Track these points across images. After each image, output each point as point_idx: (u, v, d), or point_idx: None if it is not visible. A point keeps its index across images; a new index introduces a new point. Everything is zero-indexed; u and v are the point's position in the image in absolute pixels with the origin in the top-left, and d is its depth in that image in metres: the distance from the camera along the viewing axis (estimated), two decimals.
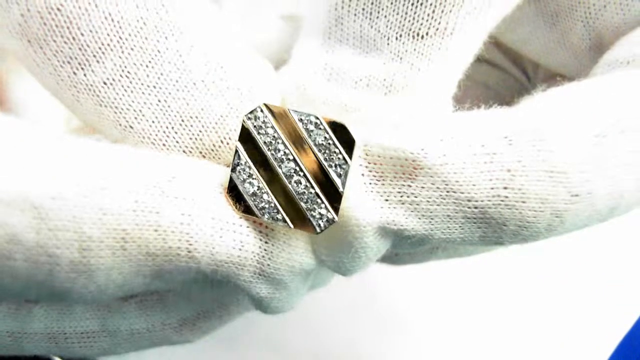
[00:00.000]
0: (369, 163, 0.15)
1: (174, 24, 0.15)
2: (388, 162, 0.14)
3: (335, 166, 0.14)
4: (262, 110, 0.15)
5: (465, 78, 0.17)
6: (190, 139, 0.15)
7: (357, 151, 0.14)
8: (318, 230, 0.15)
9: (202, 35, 0.15)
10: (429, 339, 0.32)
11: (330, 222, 0.14)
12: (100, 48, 0.14)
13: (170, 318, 0.17)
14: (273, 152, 0.15)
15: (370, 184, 0.15)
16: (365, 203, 0.15)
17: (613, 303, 0.33)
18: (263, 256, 0.14)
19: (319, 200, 0.15)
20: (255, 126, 0.15)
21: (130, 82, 0.14)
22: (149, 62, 0.14)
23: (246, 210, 0.14)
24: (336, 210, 0.14)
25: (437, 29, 0.15)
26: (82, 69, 0.14)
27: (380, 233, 0.15)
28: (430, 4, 0.15)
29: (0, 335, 0.16)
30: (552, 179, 0.14)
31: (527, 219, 0.14)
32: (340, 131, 0.14)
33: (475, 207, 0.14)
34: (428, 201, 0.14)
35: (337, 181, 0.14)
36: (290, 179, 0.15)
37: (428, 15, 0.15)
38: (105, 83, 0.14)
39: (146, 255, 0.13)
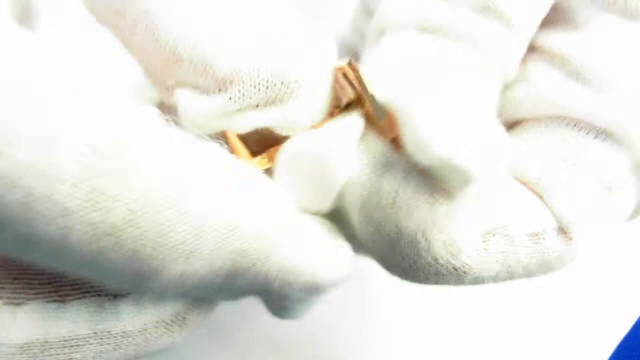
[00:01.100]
0: None
1: None
2: None
3: None
4: None
5: None
6: None
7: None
8: None
9: None
10: (430, 338, 0.32)
11: None
12: None
13: (164, 313, 0.16)
14: None
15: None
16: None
17: (613, 303, 0.33)
18: (316, 272, 0.15)
19: None
20: None
21: None
22: None
23: None
24: None
25: None
26: None
27: None
28: None
29: None
30: None
31: None
32: None
33: None
34: None
35: None
36: None
37: None
38: None
39: (237, 252, 0.14)
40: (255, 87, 0.15)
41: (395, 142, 0.15)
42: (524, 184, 0.17)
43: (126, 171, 0.12)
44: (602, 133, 0.16)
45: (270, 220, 0.14)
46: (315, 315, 0.33)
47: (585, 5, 0.17)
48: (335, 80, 0.16)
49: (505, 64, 0.16)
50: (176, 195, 0.12)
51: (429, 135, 0.14)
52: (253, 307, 0.33)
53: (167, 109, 0.15)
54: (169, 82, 0.16)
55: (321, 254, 0.15)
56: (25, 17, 0.19)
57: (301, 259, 0.15)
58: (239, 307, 0.32)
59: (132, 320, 0.15)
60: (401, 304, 0.33)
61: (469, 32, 0.16)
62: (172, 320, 0.16)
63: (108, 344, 0.15)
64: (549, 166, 0.17)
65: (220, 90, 0.15)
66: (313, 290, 0.15)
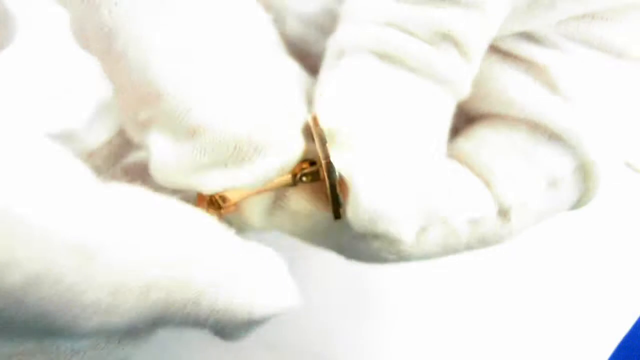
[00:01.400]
0: None
1: None
2: None
3: None
4: None
5: None
6: None
7: None
8: None
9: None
10: (430, 338, 0.32)
11: None
12: None
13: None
14: None
15: None
16: None
17: (613, 303, 0.33)
18: (251, 311, 0.15)
19: None
20: None
21: None
22: None
23: None
24: None
25: None
26: None
27: None
28: None
29: None
30: None
31: None
32: None
33: None
34: None
35: None
36: None
37: None
38: None
39: (163, 302, 0.13)
40: (225, 144, 0.15)
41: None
42: (473, 168, 0.18)
43: (23, 235, 0.11)
44: (556, 137, 0.18)
45: (195, 267, 0.14)
46: (314, 315, 0.33)
47: (552, 34, 0.18)
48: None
49: (461, 89, 0.17)
50: (83, 259, 0.12)
51: (370, 215, 0.16)
52: None
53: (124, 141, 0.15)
54: (141, 116, 0.15)
55: (257, 291, 0.15)
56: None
57: (232, 301, 0.14)
58: None
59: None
60: (402, 304, 0.33)
61: (426, 65, 0.16)
62: (125, 334, 0.15)
63: (57, 358, 0.14)
64: (500, 155, 0.18)
65: (192, 137, 0.15)
66: (252, 324, 0.15)
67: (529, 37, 0.18)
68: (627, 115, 0.18)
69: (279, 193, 0.17)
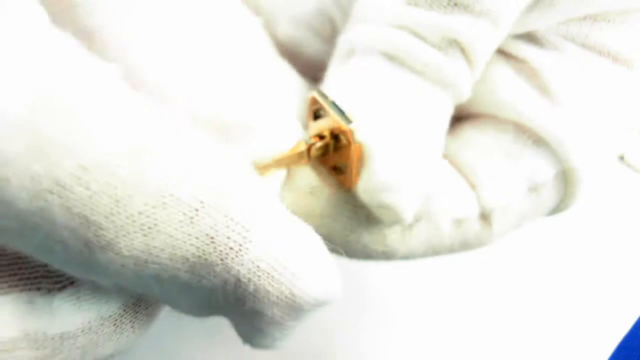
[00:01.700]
0: None
1: None
2: None
3: None
4: None
5: None
6: None
7: None
8: None
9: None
10: (431, 338, 0.32)
11: None
12: None
13: (110, 309, 0.14)
14: None
15: None
16: None
17: (613, 303, 0.33)
18: (297, 278, 0.13)
19: None
20: None
21: None
22: None
23: None
24: None
25: None
26: None
27: None
28: None
29: None
30: None
31: None
32: None
33: None
34: None
35: None
36: None
37: None
38: None
39: (206, 236, 0.12)
40: (211, 123, 0.15)
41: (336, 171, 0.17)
42: (459, 168, 0.19)
43: (80, 120, 0.10)
44: (542, 142, 0.18)
45: (248, 204, 0.12)
46: (315, 315, 0.33)
47: (551, 34, 0.18)
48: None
49: (463, 93, 0.17)
50: (135, 156, 0.11)
51: (382, 185, 0.16)
52: None
53: None
54: None
55: (306, 263, 0.13)
56: None
57: (281, 261, 0.13)
58: None
59: (71, 318, 0.13)
60: (402, 304, 0.33)
61: (434, 70, 0.16)
62: (121, 316, 0.14)
63: (45, 347, 0.13)
64: (485, 157, 0.18)
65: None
66: (291, 307, 0.13)
67: (526, 35, 0.18)
68: (618, 122, 0.18)
69: (290, 172, 0.17)
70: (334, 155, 0.17)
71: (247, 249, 0.12)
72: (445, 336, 0.32)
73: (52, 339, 0.13)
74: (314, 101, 0.17)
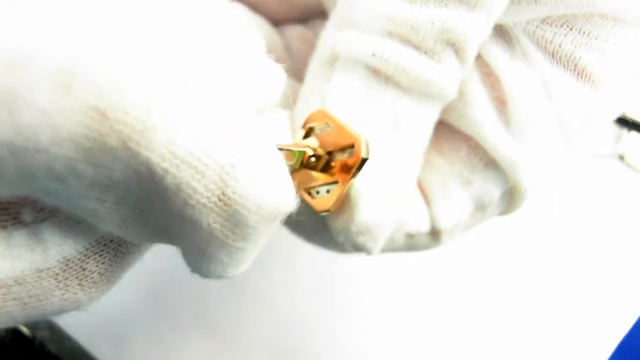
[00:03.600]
0: None
1: None
2: None
3: None
4: None
5: None
6: None
7: None
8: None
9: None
10: (432, 339, 0.32)
11: None
12: None
13: (48, 259, 0.12)
14: None
15: None
16: None
17: (613, 303, 0.33)
18: (228, 172, 0.11)
19: None
20: None
21: None
22: None
23: None
24: None
25: None
26: None
27: None
28: None
29: None
30: None
31: None
32: None
33: None
34: None
35: None
36: None
37: None
38: None
39: (94, 110, 0.09)
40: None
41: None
42: (419, 183, 0.19)
43: None
44: (493, 163, 0.18)
45: (147, 70, 0.10)
46: (315, 315, 0.33)
47: (523, 37, 0.18)
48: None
49: (450, 95, 0.17)
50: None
51: (363, 227, 0.17)
52: (252, 307, 0.33)
53: None
54: None
55: (244, 160, 0.11)
56: None
57: (205, 149, 0.10)
58: (237, 307, 0.32)
59: (1, 265, 0.12)
60: (403, 304, 0.33)
61: (424, 83, 0.16)
62: (63, 270, 0.13)
63: None
64: (440, 182, 0.19)
65: None
66: (229, 215, 0.11)
67: (501, 34, 0.18)
68: (573, 143, 0.19)
69: None
70: (314, 176, 0.16)
71: (154, 127, 0.10)
72: (445, 336, 0.32)
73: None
74: (319, 116, 0.16)
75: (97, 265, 0.13)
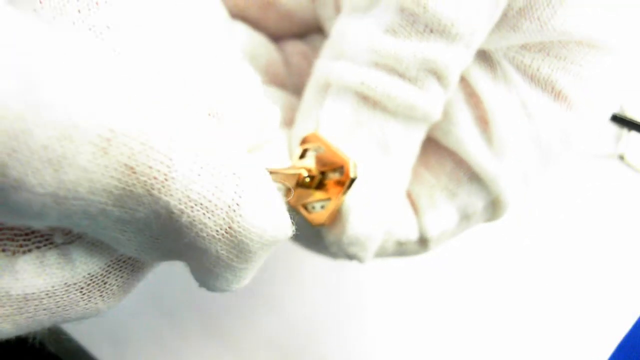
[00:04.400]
0: None
1: None
2: None
3: None
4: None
5: None
6: None
7: None
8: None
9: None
10: (432, 339, 0.32)
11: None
12: None
13: (75, 276, 0.14)
14: None
15: None
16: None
17: (613, 303, 0.33)
18: (234, 210, 0.13)
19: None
20: None
21: None
22: None
23: None
24: None
25: None
26: None
27: None
28: None
29: None
30: None
31: None
32: None
33: None
34: None
35: None
36: None
37: None
38: None
39: (125, 167, 0.11)
40: None
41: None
42: (408, 194, 0.21)
43: None
44: (476, 177, 0.20)
45: (168, 131, 0.12)
46: (315, 315, 0.33)
47: (504, 62, 0.19)
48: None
49: (434, 117, 0.18)
50: (27, 84, 0.10)
51: (354, 239, 0.19)
52: (253, 307, 0.33)
53: None
54: None
55: (246, 195, 0.13)
56: None
57: (214, 191, 0.12)
58: (238, 307, 0.32)
59: (33, 281, 0.14)
60: (404, 305, 0.33)
61: (408, 108, 0.18)
62: (87, 284, 0.14)
63: (10, 306, 0.13)
64: (428, 194, 0.21)
65: None
66: (234, 244, 0.13)
67: (484, 59, 0.19)
68: (550, 158, 0.20)
69: None
70: (310, 193, 0.18)
71: (173, 177, 0.12)
72: (445, 337, 0.32)
73: (16, 298, 0.13)
74: (312, 139, 0.18)
75: (116, 279, 0.15)
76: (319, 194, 0.18)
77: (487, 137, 0.19)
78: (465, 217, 0.21)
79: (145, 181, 0.12)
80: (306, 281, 0.33)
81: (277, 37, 0.24)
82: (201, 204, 0.12)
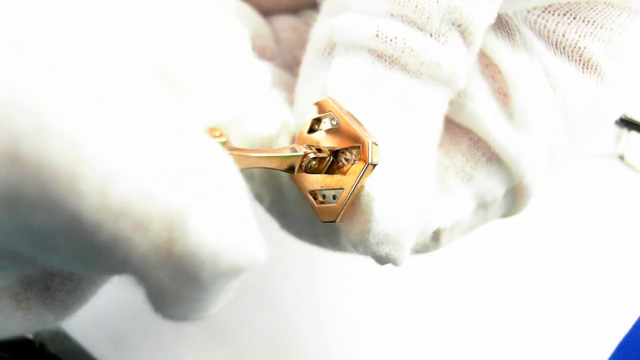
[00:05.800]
0: None
1: None
2: None
3: None
4: None
5: None
6: None
7: None
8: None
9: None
10: (432, 339, 0.32)
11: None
12: None
13: (6, 279, 0.11)
14: None
15: None
16: None
17: (613, 303, 0.33)
18: (178, 226, 0.09)
19: None
20: None
21: None
22: None
23: None
24: None
25: None
26: None
27: None
28: None
29: None
30: None
31: None
32: None
33: None
34: None
35: None
36: None
37: None
38: None
39: (7, 156, 0.08)
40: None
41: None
42: None
43: None
44: (496, 158, 0.17)
45: (75, 103, 0.08)
46: (315, 315, 0.33)
47: (524, 28, 0.17)
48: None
49: (460, 84, 0.15)
50: None
51: (383, 237, 0.14)
52: (253, 307, 0.33)
53: None
54: None
55: (196, 207, 0.09)
56: None
57: (138, 192, 0.08)
58: (238, 307, 0.32)
59: None
60: (404, 305, 0.33)
61: (432, 67, 0.14)
62: (24, 289, 0.11)
63: None
64: (440, 176, 0.17)
65: None
66: (179, 272, 0.09)
67: (501, 25, 0.17)
68: (578, 138, 0.18)
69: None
70: (320, 178, 0.14)
71: (83, 173, 0.08)
72: (445, 337, 0.32)
73: None
74: (326, 106, 0.14)
75: (63, 284, 0.12)
76: (330, 180, 0.14)
77: (507, 111, 0.17)
78: (483, 206, 0.18)
79: (40, 178, 0.08)
80: (306, 281, 0.33)
81: (267, 12, 0.20)
82: (127, 215, 0.08)
